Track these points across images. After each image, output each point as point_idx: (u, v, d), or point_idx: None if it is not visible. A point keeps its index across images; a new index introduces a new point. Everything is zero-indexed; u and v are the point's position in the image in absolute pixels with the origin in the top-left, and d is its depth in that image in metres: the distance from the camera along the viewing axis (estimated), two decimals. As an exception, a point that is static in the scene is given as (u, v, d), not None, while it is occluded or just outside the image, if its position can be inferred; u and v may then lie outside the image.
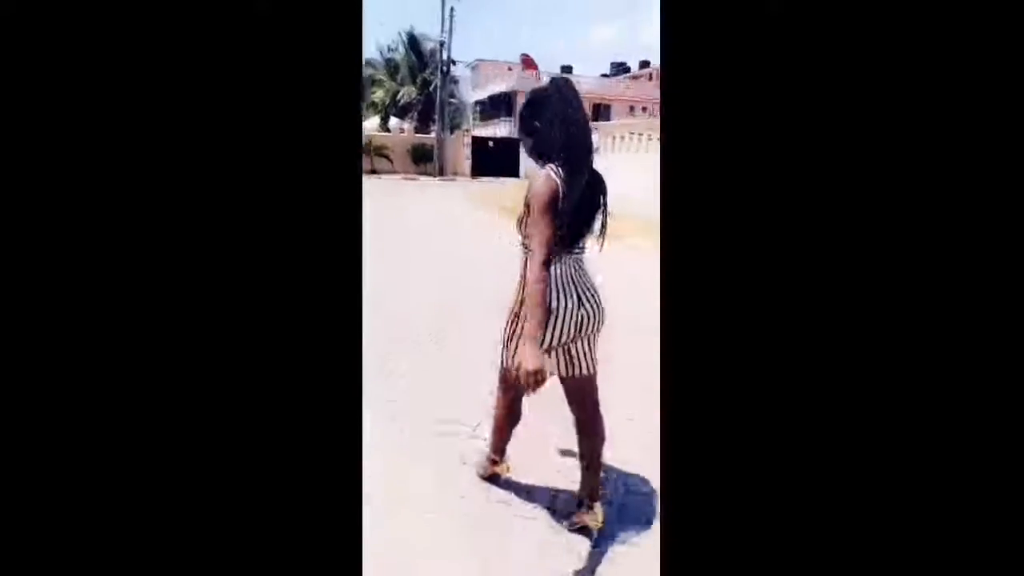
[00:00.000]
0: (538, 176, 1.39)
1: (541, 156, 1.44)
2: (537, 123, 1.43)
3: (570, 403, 1.61)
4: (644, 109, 28.34)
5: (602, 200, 1.49)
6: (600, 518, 1.63)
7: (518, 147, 12.23)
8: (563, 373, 1.53)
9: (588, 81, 28.94)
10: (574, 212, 1.38)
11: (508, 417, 1.77)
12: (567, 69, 31.07)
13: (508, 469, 1.92)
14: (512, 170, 20.97)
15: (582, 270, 1.48)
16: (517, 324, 1.46)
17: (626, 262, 5.54)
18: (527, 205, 1.40)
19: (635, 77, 32.33)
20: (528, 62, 26.83)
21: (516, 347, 1.45)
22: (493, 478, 1.91)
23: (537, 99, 1.46)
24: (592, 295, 1.48)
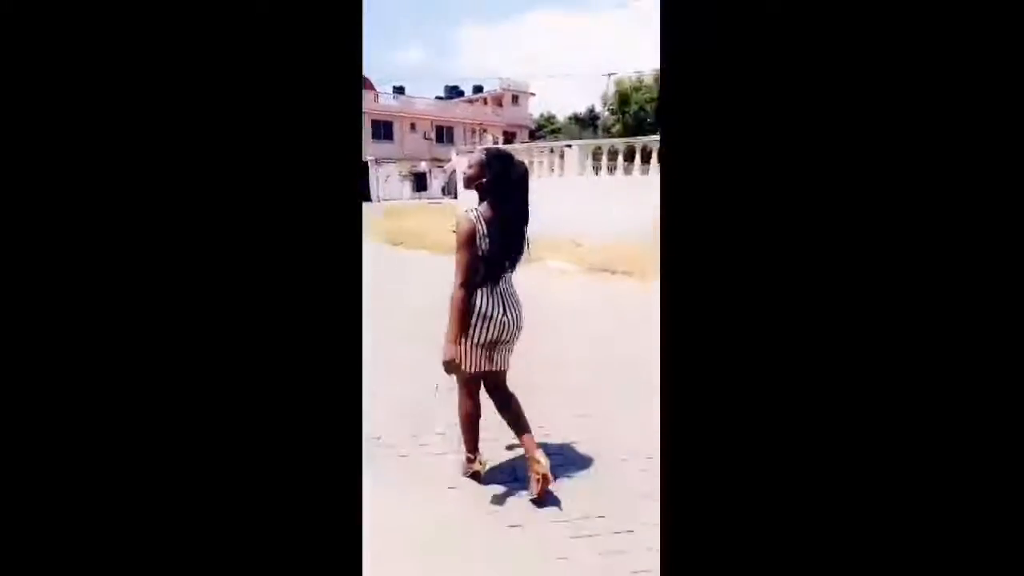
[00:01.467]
0: (461, 217, 1.79)
1: (483, 197, 1.85)
2: (487, 177, 1.84)
3: (489, 391, 2.02)
4: (484, 131, 29.23)
5: (525, 231, 1.90)
6: (546, 465, 1.94)
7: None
8: (485, 368, 1.91)
9: (425, 102, 28.99)
10: (501, 241, 1.80)
11: (467, 415, 2.04)
12: (399, 90, 30.68)
13: (483, 464, 2.12)
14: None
15: (510, 286, 1.91)
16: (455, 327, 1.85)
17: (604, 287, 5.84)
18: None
19: (471, 101, 33.25)
20: (365, 83, 26.10)
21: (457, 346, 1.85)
22: (475, 476, 2.11)
23: (491, 160, 1.86)
24: (514, 306, 1.90)
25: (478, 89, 35.23)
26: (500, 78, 33.87)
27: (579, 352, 3.52)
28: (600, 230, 7.91)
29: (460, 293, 1.76)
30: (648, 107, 18.44)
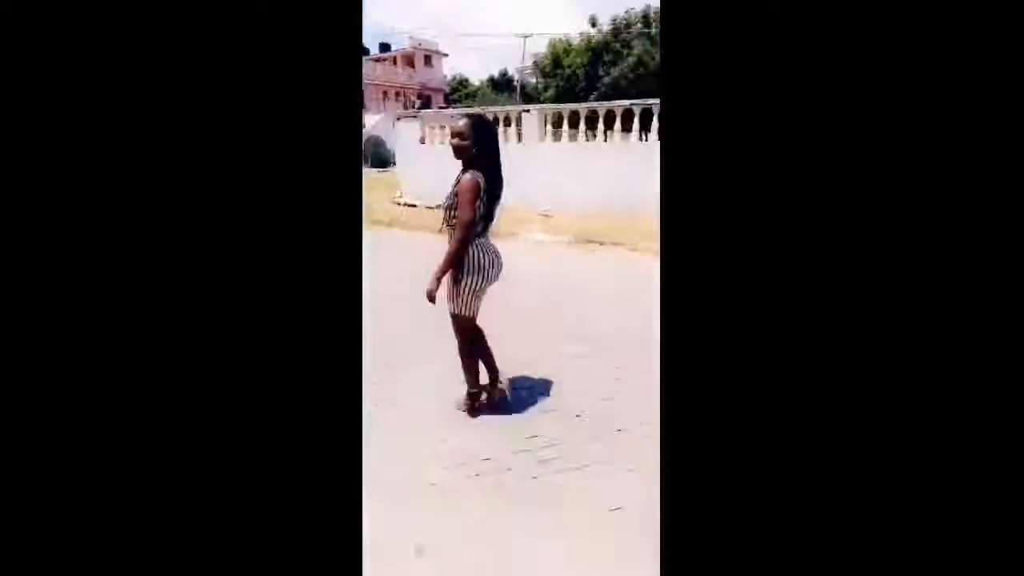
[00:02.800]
0: (464, 177, 2.04)
1: (468, 165, 2.07)
2: (476, 147, 2.06)
3: (455, 331, 2.27)
4: (397, 95, 27.53)
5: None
6: (503, 389, 2.38)
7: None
8: (475, 312, 2.22)
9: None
10: (488, 204, 2.09)
11: (468, 353, 2.29)
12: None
13: (492, 396, 2.37)
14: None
15: (490, 242, 2.18)
16: (451, 280, 2.13)
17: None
18: (456, 195, 2.06)
19: (378, 59, 30.98)
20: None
21: (454, 297, 2.16)
22: (479, 410, 2.34)
23: (479, 128, 2.10)
24: (497, 258, 2.18)
25: (385, 48, 32.94)
26: (410, 36, 31.85)
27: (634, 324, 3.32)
28: (567, 201, 7.70)
29: (459, 246, 2.04)
30: (580, 71, 18.20)
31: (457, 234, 2.03)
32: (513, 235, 6.59)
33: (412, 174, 9.79)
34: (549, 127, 8.42)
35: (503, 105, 11.76)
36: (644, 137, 7.69)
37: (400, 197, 9.74)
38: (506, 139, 8.65)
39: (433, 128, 9.76)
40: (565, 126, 8.34)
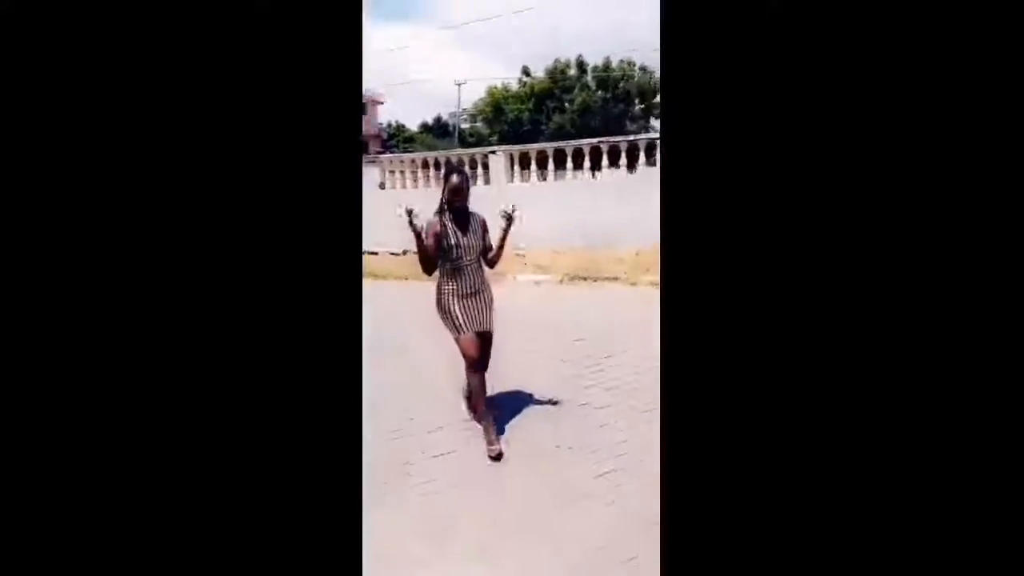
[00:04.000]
0: (482, 218, 2.58)
1: (462, 211, 2.51)
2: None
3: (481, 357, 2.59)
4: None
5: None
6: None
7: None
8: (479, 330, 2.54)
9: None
10: (455, 238, 2.46)
11: (481, 384, 2.53)
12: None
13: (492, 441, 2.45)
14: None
15: (476, 264, 2.56)
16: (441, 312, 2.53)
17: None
18: (484, 233, 2.58)
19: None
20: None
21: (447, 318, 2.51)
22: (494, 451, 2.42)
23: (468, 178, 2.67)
24: (482, 287, 2.58)
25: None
26: (344, 85, 31.88)
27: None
28: (539, 238, 7.67)
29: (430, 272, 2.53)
30: (525, 116, 18.77)
31: (498, 262, 2.63)
32: (500, 276, 6.45)
33: (371, 221, 9.44)
34: (517, 168, 8.46)
35: (443, 150, 11.87)
36: (613, 171, 7.88)
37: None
38: (474, 182, 8.60)
39: (394, 173, 9.56)
40: (533, 166, 8.41)
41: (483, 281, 2.55)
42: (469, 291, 2.48)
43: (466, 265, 2.47)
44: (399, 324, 4.15)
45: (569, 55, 20.09)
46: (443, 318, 2.51)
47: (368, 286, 6.36)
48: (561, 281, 6.23)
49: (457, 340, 2.48)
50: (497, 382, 3.01)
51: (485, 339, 2.54)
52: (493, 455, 2.34)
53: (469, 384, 2.56)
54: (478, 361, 2.47)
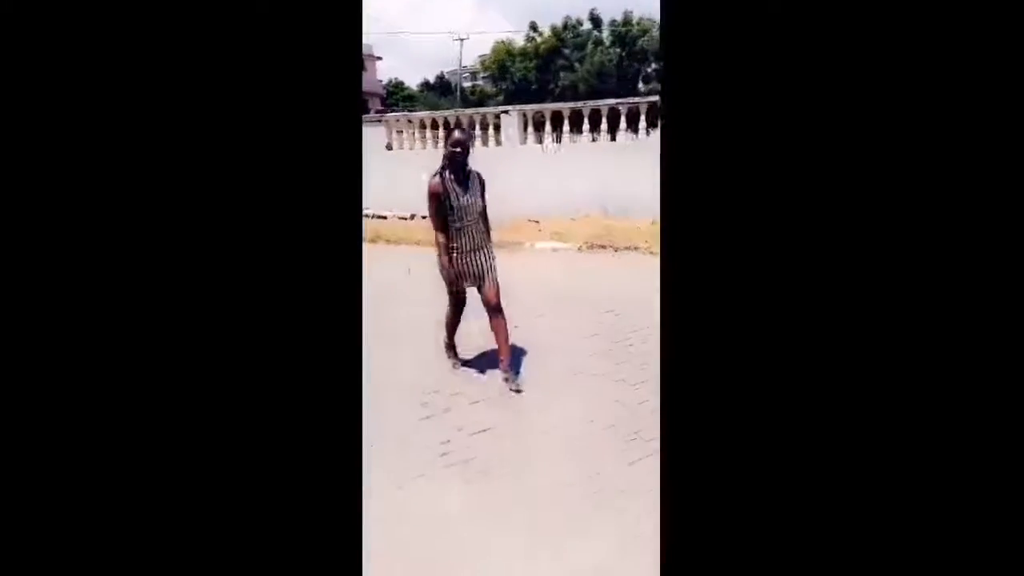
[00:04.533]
0: (480, 175, 2.68)
1: (462, 168, 2.62)
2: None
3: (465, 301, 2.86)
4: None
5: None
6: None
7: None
8: (472, 285, 2.76)
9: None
10: (457, 197, 2.59)
11: (453, 311, 2.85)
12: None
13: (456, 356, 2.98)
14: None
15: (478, 221, 2.69)
16: (441, 250, 2.67)
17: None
18: (482, 191, 2.69)
19: (309, 64, 29.57)
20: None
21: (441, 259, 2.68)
22: (455, 360, 2.94)
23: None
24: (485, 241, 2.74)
25: (316, 52, 31.50)
26: (342, 39, 30.68)
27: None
28: (552, 206, 7.39)
29: (437, 235, 2.65)
30: (531, 74, 18.04)
31: (487, 225, 2.72)
32: (516, 245, 6.21)
33: (379, 184, 9.13)
34: (531, 129, 8.09)
35: (446, 109, 11.38)
36: (635, 135, 7.54)
37: (366, 209, 9.07)
38: (484, 142, 8.25)
39: (402, 133, 9.18)
40: (548, 127, 8.05)
41: (484, 238, 2.68)
42: (469, 248, 2.63)
43: (468, 224, 2.60)
44: (420, 295, 3.94)
45: (577, 12, 19.19)
46: (442, 274, 2.68)
47: (382, 251, 6.20)
48: (580, 249, 5.99)
49: (452, 293, 2.73)
50: (529, 356, 2.98)
51: (491, 287, 2.71)
52: (515, 390, 2.62)
53: (447, 319, 2.87)
54: (454, 312, 2.82)
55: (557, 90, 16.63)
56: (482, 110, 9.16)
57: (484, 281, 2.69)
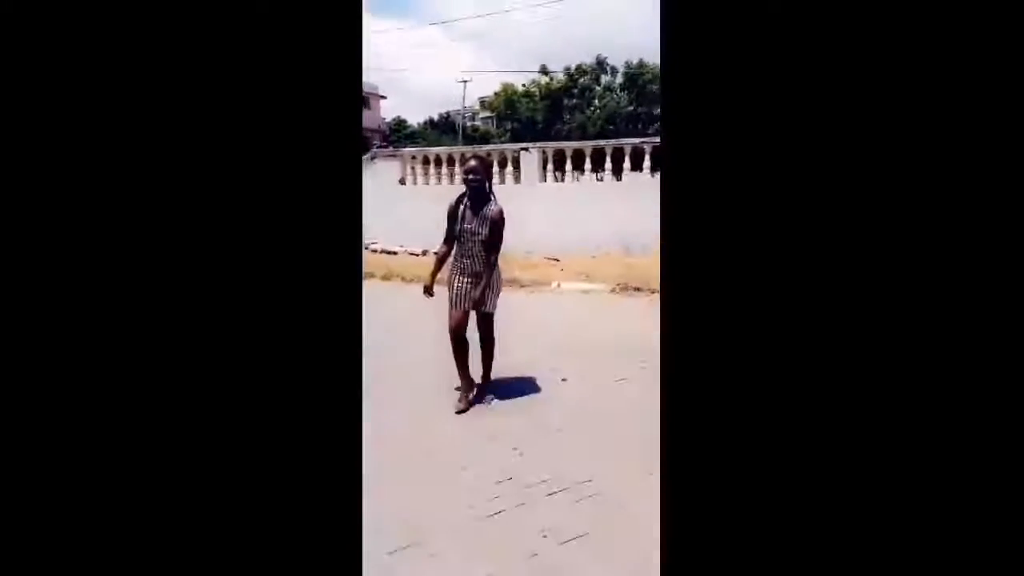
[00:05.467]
0: (497, 209, 2.70)
1: (481, 198, 2.72)
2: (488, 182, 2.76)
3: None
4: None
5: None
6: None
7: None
8: (468, 309, 2.77)
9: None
10: (465, 221, 2.71)
11: (457, 351, 2.78)
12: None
13: (468, 398, 2.80)
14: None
15: (480, 249, 2.73)
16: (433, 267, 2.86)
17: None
18: (492, 225, 2.70)
19: (314, 100, 30.03)
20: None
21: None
22: (468, 407, 2.77)
23: (489, 166, 3.00)
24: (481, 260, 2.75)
25: (322, 89, 32.10)
26: (348, 78, 31.37)
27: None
28: (572, 244, 7.14)
29: (442, 248, 2.84)
30: (538, 116, 18.27)
31: (495, 257, 2.70)
32: (542, 284, 5.90)
33: (391, 218, 8.87)
34: (550, 166, 7.95)
35: (448, 146, 11.37)
36: (653, 174, 7.38)
37: (375, 243, 8.76)
38: (502, 180, 8.06)
39: (416, 168, 9.00)
40: (568, 165, 7.89)
41: (486, 266, 2.69)
42: (470, 272, 2.70)
43: (467, 249, 2.69)
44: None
45: (583, 57, 19.80)
46: (424, 294, 2.82)
47: (392, 289, 5.84)
48: (613, 291, 5.65)
49: (450, 330, 2.73)
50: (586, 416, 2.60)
51: (485, 319, 2.82)
52: (458, 410, 2.69)
53: (455, 360, 2.79)
54: (457, 331, 2.73)
55: (565, 130, 16.80)
56: (500, 146, 9.06)
57: (479, 310, 2.74)
